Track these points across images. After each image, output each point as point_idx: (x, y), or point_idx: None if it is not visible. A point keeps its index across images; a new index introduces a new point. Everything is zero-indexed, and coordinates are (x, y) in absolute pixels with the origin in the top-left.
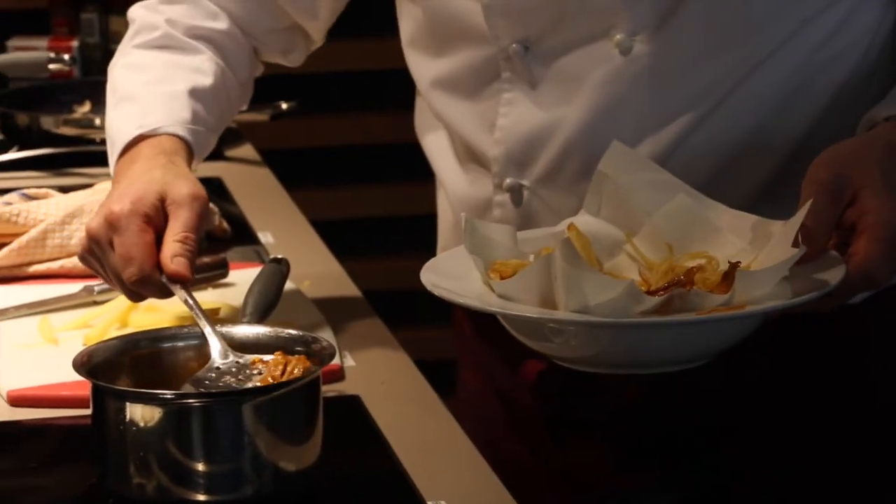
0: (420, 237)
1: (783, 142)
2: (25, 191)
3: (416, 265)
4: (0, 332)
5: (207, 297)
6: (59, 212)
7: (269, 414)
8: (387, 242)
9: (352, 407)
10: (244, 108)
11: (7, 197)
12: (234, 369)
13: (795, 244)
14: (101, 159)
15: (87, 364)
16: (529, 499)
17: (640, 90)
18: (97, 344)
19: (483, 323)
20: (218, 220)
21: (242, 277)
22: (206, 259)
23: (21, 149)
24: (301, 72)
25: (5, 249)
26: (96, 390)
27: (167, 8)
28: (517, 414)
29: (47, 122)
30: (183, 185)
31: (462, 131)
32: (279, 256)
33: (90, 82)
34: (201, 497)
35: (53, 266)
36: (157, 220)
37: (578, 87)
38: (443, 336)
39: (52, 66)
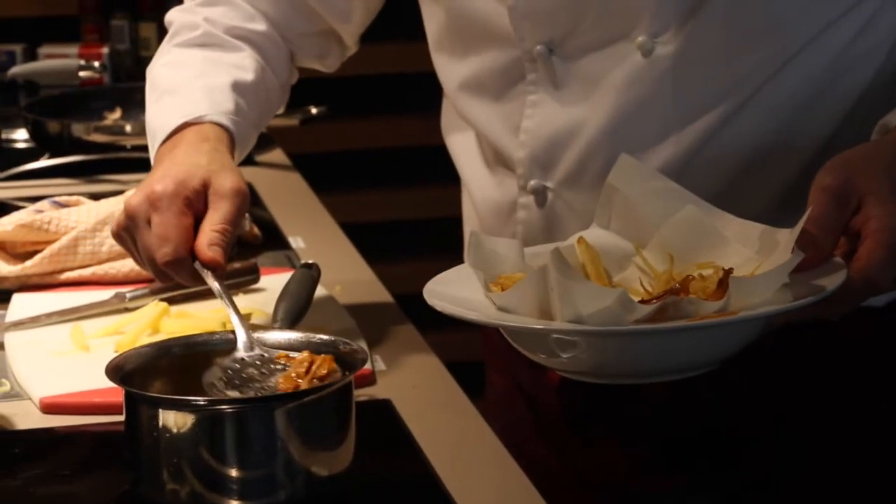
0: (450, 240)
1: (807, 144)
2: (56, 198)
3: (446, 268)
4: (32, 340)
5: (238, 303)
6: (91, 219)
7: (302, 419)
8: (417, 245)
9: (383, 411)
10: (280, 111)
11: (38, 205)
12: (258, 362)
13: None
14: (131, 166)
15: (120, 371)
16: (558, 501)
17: (662, 91)
18: (130, 350)
19: None
20: (249, 226)
21: (273, 283)
22: (236, 265)
23: (52, 156)
24: (331, 76)
25: (37, 257)
26: (129, 397)
27: (205, 10)
28: (543, 416)
29: (78, 130)
30: (227, 178)
31: (488, 133)
32: (310, 262)
33: (121, 89)
34: (235, 503)
35: (85, 273)
36: (197, 205)
37: (601, 88)
38: (472, 338)
39: (82, 74)
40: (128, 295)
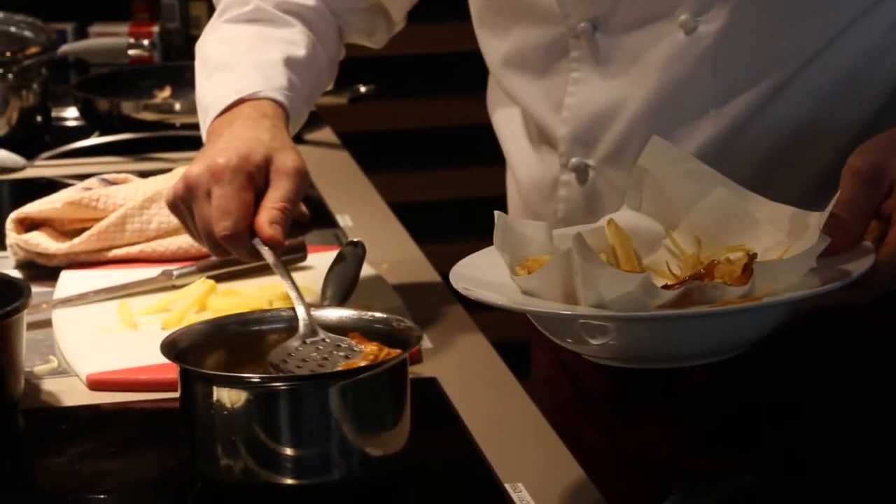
0: None
1: (845, 127)
2: (105, 176)
3: None
4: (80, 317)
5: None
6: (138, 196)
7: (356, 397)
8: (465, 225)
9: (429, 389)
10: (329, 88)
11: (87, 182)
12: (320, 346)
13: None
14: (180, 144)
15: (174, 347)
16: (602, 480)
17: (703, 70)
18: (185, 327)
19: None
20: None
21: (321, 261)
22: (284, 242)
23: (101, 134)
24: (379, 54)
25: (85, 235)
26: (184, 374)
27: None
28: (586, 395)
29: (128, 108)
30: (289, 156)
31: (531, 110)
32: (355, 240)
33: (170, 67)
34: (288, 480)
35: (132, 251)
36: (258, 181)
37: (644, 66)
38: (519, 319)
39: (131, 52)
40: (175, 272)
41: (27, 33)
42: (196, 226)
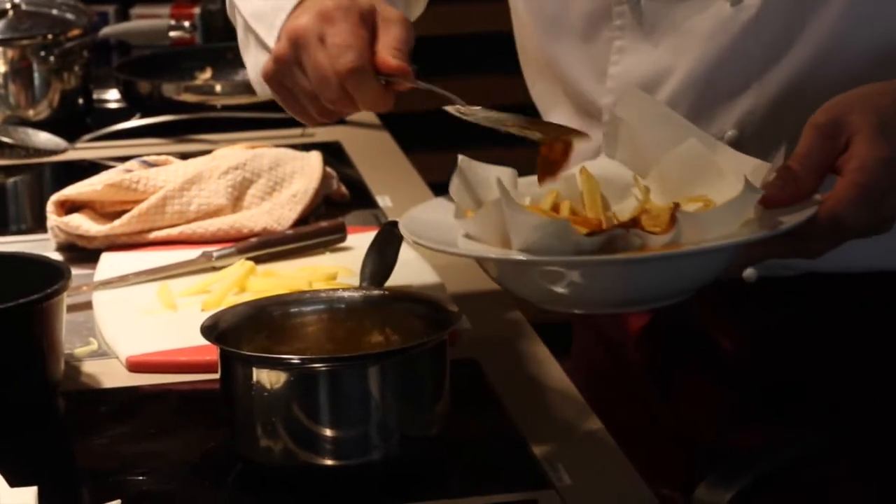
0: None
1: None
2: (145, 158)
3: None
4: (120, 299)
5: (325, 262)
6: (179, 178)
7: (396, 377)
8: None
9: (469, 370)
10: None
11: (127, 164)
12: None
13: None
14: (221, 126)
15: (214, 329)
16: (640, 456)
17: (748, 41)
18: (225, 309)
19: None
20: (336, 185)
21: (360, 241)
22: (323, 223)
23: (143, 116)
24: (420, 35)
25: (125, 216)
26: (224, 355)
27: None
28: (624, 368)
29: (168, 90)
30: (391, 9)
31: (573, 81)
32: (394, 220)
33: (211, 49)
34: (328, 461)
35: (173, 232)
36: (369, 22)
37: (688, 36)
38: None
39: (172, 34)
40: (215, 254)
41: (69, 16)
42: (304, 85)
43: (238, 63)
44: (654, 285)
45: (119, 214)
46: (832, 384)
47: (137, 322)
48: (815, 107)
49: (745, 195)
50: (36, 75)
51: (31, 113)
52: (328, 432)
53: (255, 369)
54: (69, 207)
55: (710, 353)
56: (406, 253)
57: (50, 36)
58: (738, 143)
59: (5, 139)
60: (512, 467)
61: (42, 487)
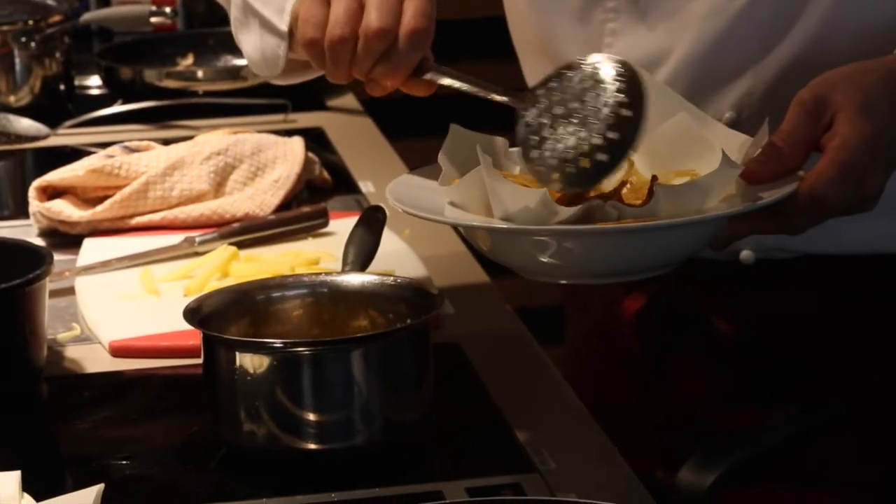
0: None
1: None
2: (127, 143)
3: None
4: (102, 284)
5: (307, 247)
6: (161, 164)
7: (379, 361)
8: None
9: (452, 355)
10: None
11: (109, 150)
12: (545, 121)
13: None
14: (202, 112)
15: (197, 314)
16: (630, 440)
17: (742, 24)
18: (208, 293)
19: None
20: (318, 170)
21: (342, 227)
22: (305, 209)
23: (124, 102)
24: None
25: (107, 202)
26: (207, 340)
27: None
28: (620, 352)
29: (150, 76)
30: None
31: (567, 60)
32: (375, 205)
33: (193, 35)
34: (312, 445)
35: (155, 218)
36: None
37: (684, 18)
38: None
39: (154, 20)
40: (197, 239)
41: (50, 1)
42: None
43: (220, 49)
44: (630, 257)
45: (101, 200)
46: (828, 366)
47: (120, 307)
48: None
49: (723, 170)
50: (17, 61)
51: (12, 99)
52: (312, 416)
53: (238, 353)
54: (51, 193)
55: (706, 335)
56: (389, 239)
57: (31, 22)
58: (736, 125)
59: None
60: (496, 451)
61: (25, 472)
